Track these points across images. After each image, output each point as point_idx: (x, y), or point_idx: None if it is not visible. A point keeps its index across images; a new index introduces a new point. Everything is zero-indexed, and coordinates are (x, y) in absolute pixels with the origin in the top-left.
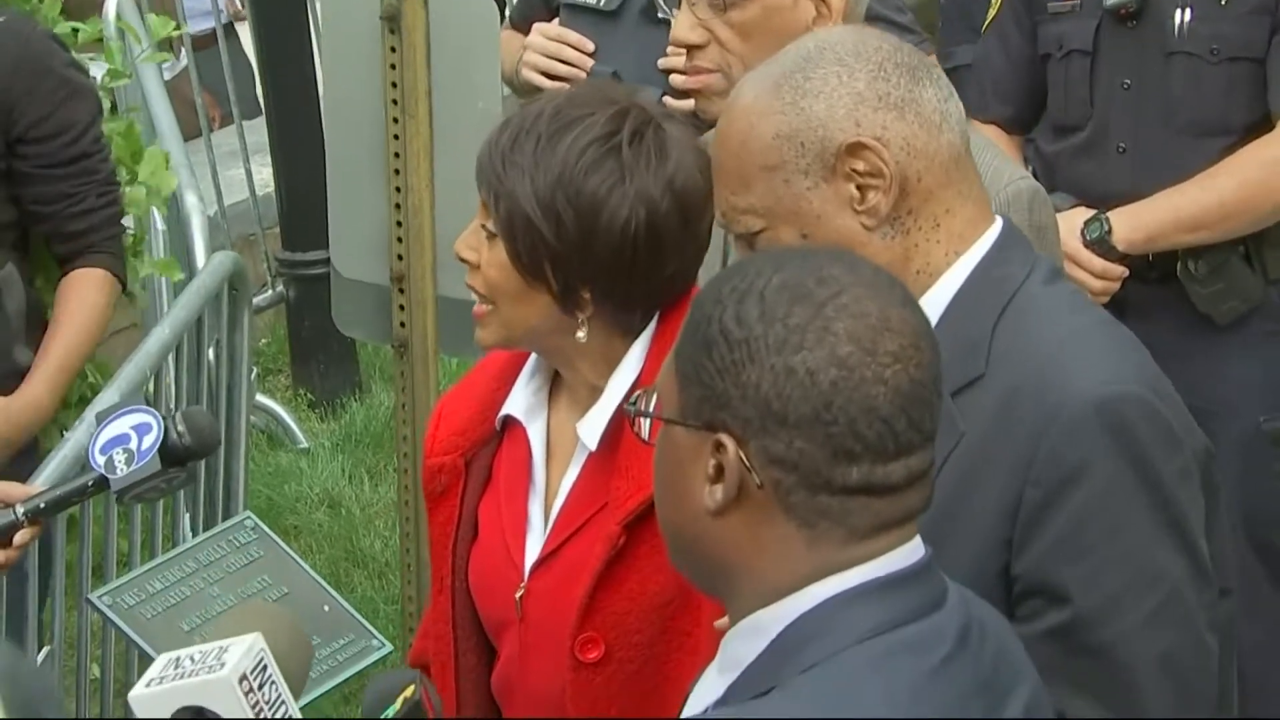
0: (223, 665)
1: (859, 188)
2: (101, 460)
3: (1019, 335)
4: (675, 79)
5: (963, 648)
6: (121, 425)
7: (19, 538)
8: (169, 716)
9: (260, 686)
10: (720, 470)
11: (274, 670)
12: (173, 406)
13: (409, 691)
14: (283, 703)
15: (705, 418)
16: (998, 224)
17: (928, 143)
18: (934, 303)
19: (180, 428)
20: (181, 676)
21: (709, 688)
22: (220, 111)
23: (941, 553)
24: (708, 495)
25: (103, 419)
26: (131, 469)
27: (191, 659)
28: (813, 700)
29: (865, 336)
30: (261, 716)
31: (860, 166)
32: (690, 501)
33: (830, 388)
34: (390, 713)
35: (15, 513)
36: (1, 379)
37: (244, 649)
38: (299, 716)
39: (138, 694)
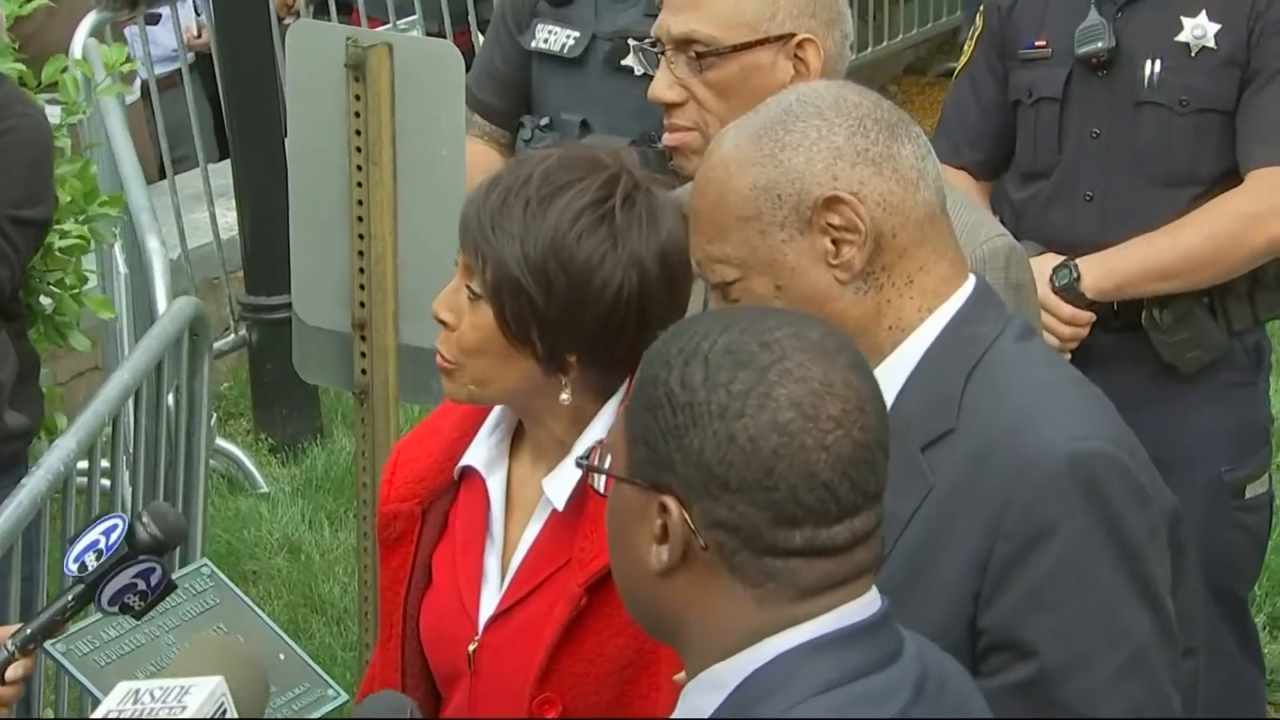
0: (184, 709)
1: (834, 242)
2: (74, 567)
3: (990, 391)
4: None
5: (919, 700)
6: (91, 535)
7: (12, 672)
8: None
9: None
10: (665, 531)
11: (232, 713)
12: (131, 451)
13: None
14: None
15: (651, 478)
16: (971, 281)
17: (904, 199)
18: (905, 358)
19: (145, 519)
20: (142, 714)
21: None
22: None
23: (910, 605)
24: (654, 556)
25: (73, 540)
26: (101, 561)
27: (152, 695)
28: None
29: (807, 402)
30: None
31: (836, 221)
32: (638, 559)
33: (771, 455)
34: None
35: (6, 648)
36: None
37: (206, 694)
38: None
39: None
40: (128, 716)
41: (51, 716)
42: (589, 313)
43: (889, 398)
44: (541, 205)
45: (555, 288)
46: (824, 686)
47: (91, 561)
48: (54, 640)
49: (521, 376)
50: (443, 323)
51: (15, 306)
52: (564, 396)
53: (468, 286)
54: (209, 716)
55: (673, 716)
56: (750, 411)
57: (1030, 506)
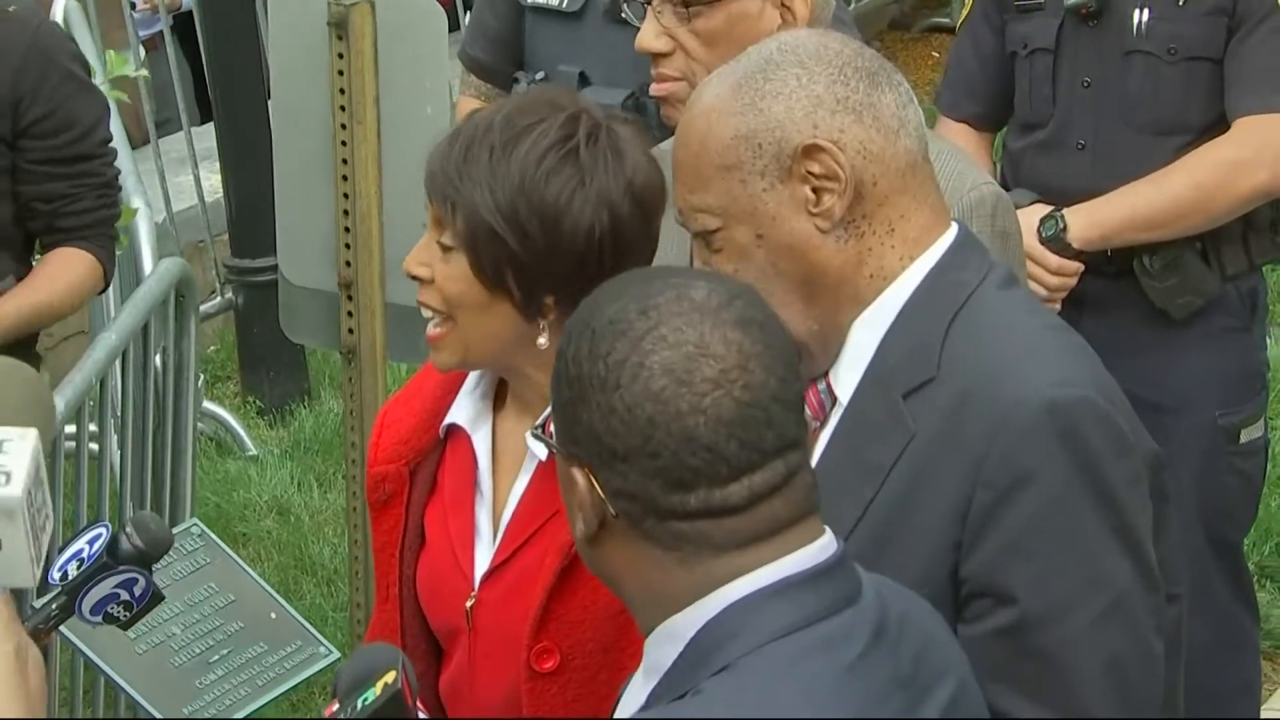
0: (8, 479)
1: (814, 190)
2: (57, 576)
3: (971, 339)
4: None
5: (879, 644)
6: (76, 544)
7: None
8: None
9: (35, 494)
10: (581, 501)
11: (41, 467)
12: (119, 414)
13: (389, 677)
14: (45, 502)
15: (565, 448)
16: (953, 229)
17: (884, 148)
18: (887, 306)
19: (129, 529)
20: None
21: (635, 693)
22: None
23: (893, 553)
24: (577, 524)
25: (61, 549)
26: (81, 570)
27: None
28: (728, 702)
29: (680, 367)
30: (37, 530)
31: (816, 169)
32: (572, 526)
33: (648, 423)
34: (369, 696)
35: None
36: None
37: (27, 455)
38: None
39: None
40: None
41: None
42: (563, 252)
43: (871, 346)
44: (506, 150)
45: (528, 230)
46: (781, 631)
47: (74, 571)
48: (43, 600)
49: (503, 324)
50: (416, 278)
51: (23, 263)
52: (541, 340)
53: (438, 241)
54: (30, 484)
55: (638, 671)
56: (625, 382)
57: (1009, 454)
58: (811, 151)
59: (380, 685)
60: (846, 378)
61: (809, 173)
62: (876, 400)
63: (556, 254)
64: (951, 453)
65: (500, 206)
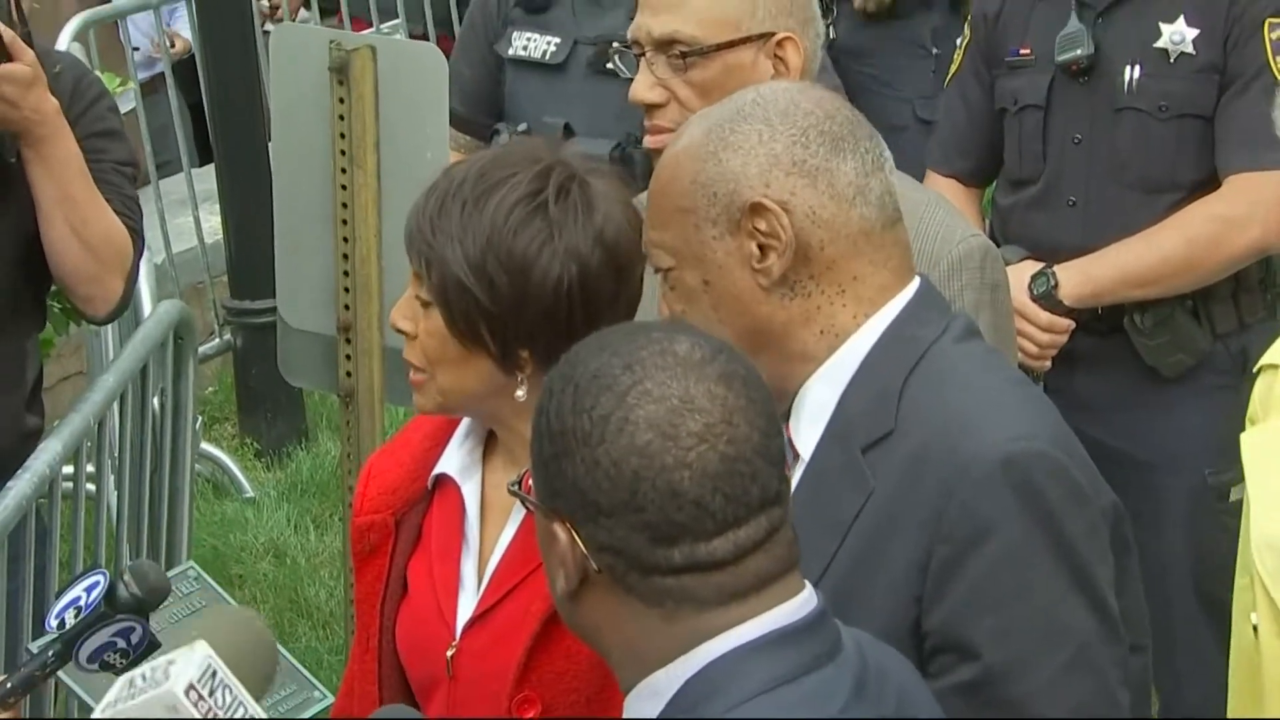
0: (168, 678)
1: (760, 246)
2: (55, 624)
3: (929, 392)
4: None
5: (860, 697)
6: (74, 590)
7: None
8: None
9: (211, 693)
10: (562, 557)
11: (225, 675)
12: (116, 455)
13: None
14: (240, 704)
15: (546, 504)
16: (914, 284)
17: (835, 214)
18: (844, 362)
19: (126, 578)
20: (134, 696)
21: None
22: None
23: (856, 608)
24: (558, 580)
25: (57, 595)
26: (79, 619)
27: (143, 677)
28: None
29: (665, 421)
30: None
31: (762, 226)
32: (551, 582)
33: (634, 477)
34: None
35: None
36: (13, 444)
37: (190, 659)
38: (261, 717)
39: None
40: (122, 704)
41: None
42: (532, 305)
43: (831, 403)
44: (477, 204)
45: (497, 284)
46: (763, 687)
47: (71, 619)
48: (40, 641)
49: (481, 378)
50: (402, 332)
51: (41, 310)
52: (519, 393)
53: (417, 296)
54: (195, 679)
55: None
56: (610, 436)
57: (967, 508)
58: (757, 209)
59: None
60: (808, 434)
61: (755, 229)
62: (837, 456)
63: (526, 307)
64: (911, 507)
65: (469, 260)
